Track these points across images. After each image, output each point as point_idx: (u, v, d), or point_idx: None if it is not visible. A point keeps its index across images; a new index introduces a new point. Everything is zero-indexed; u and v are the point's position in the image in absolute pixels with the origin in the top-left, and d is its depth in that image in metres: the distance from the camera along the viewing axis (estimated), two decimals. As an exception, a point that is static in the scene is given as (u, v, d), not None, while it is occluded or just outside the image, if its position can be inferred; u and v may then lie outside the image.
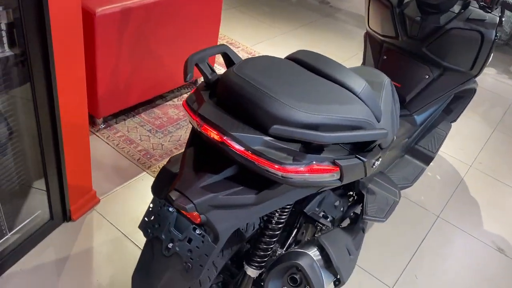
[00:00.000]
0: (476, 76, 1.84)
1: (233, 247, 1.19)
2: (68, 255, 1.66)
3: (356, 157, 1.07)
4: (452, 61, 1.77)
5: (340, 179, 1.05)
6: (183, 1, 2.23)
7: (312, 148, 0.97)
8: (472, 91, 1.96)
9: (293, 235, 1.38)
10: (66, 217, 1.76)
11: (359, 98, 1.16)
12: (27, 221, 1.62)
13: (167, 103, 2.57)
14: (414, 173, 1.94)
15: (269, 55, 1.22)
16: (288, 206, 1.18)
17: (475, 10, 1.72)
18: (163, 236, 1.03)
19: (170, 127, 2.39)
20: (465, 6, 1.72)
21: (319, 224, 1.39)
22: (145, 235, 1.06)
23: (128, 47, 2.07)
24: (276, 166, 0.93)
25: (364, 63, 2.03)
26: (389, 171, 1.92)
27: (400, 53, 1.86)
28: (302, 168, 0.95)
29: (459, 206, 2.27)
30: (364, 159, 1.08)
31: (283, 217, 1.17)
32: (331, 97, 1.06)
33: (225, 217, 0.99)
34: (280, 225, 1.18)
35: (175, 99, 2.61)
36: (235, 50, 3.26)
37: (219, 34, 3.43)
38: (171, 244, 1.02)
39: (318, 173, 0.98)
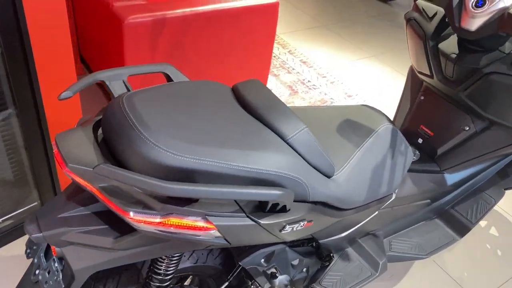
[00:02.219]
0: None
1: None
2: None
3: (249, 217, 0.88)
4: (497, 113, 1.39)
5: (227, 240, 0.88)
6: (230, 14, 2.16)
7: (175, 197, 0.82)
8: None
9: None
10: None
11: (288, 145, 0.96)
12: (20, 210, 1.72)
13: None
14: (437, 243, 1.57)
15: (210, 81, 1.09)
16: (177, 255, 1.03)
17: None
18: (35, 260, 0.98)
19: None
20: None
21: (256, 282, 1.19)
22: (26, 253, 1.02)
23: (162, 58, 2.08)
24: (121, 211, 0.80)
25: (400, 102, 1.72)
26: (406, 233, 1.59)
27: (439, 96, 1.53)
28: (154, 219, 0.81)
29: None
30: (259, 221, 0.88)
31: (171, 268, 1.02)
32: (240, 141, 0.88)
33: (83, 256, 0.89)
34: (168, 276, 1.03)
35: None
36: (306, 70, 3.10)
37: (294, 50, 3.30)
38: (37, 271, 0.96)
39: (181, 228, 0.82)
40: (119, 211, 0.80)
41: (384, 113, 1.36)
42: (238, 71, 2.41)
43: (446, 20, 1.44)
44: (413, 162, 1.54)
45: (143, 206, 0.80)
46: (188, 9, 2.04)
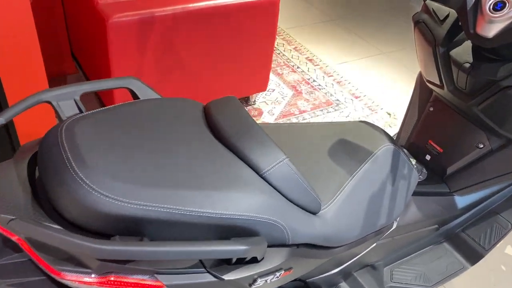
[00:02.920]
0: None
1: None
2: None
3: (209, 272, 0.73)
4: None
5: None
6: (225, 11, 2.00)
7: None
8: None
9: None
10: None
11: (265, 180, 0.81)
12: None
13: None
14: (444, 272, 1.41)
15: (181, 99, 0.94)
16: None
17: None
18: None
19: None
20: None
21: None
22: None
23: (151, 60, 1.94)
24: (50, 269, 0.66)
25: (407, 112, 1.55)
26: (410, 260, 1.43)
27: (450, 108, 1.36)
28: (91, 280, 0.67)
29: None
30: (222, 277, 0.73)
31: None
32: (203, 179, 0.74)
33: None
34: None
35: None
36: (312, 68, 2.92)
37: (300, 47, 3.12)
38: None
39: None
40: (48, 269, 0.66)
41: (385, 130, 1.19)
42: (235, 72, 2.25)
43: (460, 24, 1.26)
44: (419, 183, 1.38)
45: (77, 262, 0.67)
46: (179, 6, 1.88)
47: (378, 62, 3.12)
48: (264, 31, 2.20)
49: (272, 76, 2.79)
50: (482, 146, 1.31)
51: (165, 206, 0.68)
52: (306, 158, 1.03)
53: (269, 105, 2.53)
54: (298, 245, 0.88)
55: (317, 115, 2.50)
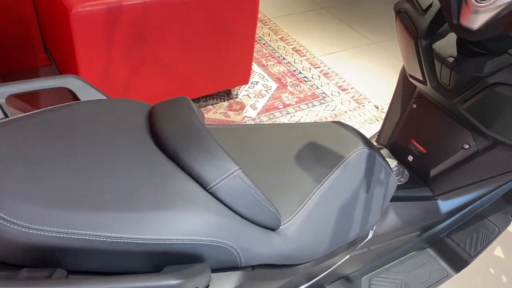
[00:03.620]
0: None
1: None
2: None
3: None
4: (503, 132, 1.12)
5: None
6: (199, 1, 1.88)
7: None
8: None
9: None
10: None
11: (212, 195, 0.71)
12: None
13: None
14: (427, 281, 1.32)
15: (125, 99, 0.83)
16: None
17: None
18: None
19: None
20: None
21: None
22: None
23: (120, 52, 1.82)
24: None
25: (389, 109, 1.45)
26: (391, 268, 1.34)
27: (434, 106, 1.26)
28: None
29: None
30: None
31: None
32: (135, 197, 0.64)
33: None
34: None
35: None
36: (298, 59, 2.81)
37: (287, 37, 3.00)
38: None
39: None
40: None
41: (360, 132, 1.09)
42: (214, 64, 2.14)
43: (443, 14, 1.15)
44: (400, 186, 1.28)
45: None
46: (150, -5, 1.76)
47: (367, 52, 3.01)
48: (244, 20, 2.08)
49: (256, 67, 2.68)
50: (467, 147, 1.21)
51: (81, 232, 0.58)
52: (269, 166, 0.93)
53: (252, 99, 2.43)
54: (253, 267, 0.78)
55: (302, 109, 2.39)
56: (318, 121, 2.32)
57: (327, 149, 1.00)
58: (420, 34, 1.16)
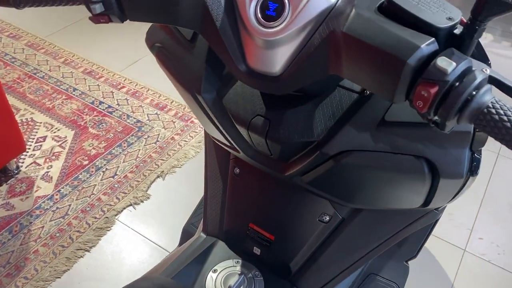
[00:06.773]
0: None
1: None
2: None
3: None
4: (367, 201, 0.71)
5: None
6: None
7: None
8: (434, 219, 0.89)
9: None
10: None
11: None
12: None
13: None
14: None
15: None
16: None
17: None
18: None
19: None
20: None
21: None
22: None
23: None
24: None
25: (206, 181, 0.95)
26: None
27: (262, 171, 0.79)
28: None
29: None
30: None
31: None
32: None
33: None
34: None
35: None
36: (94, 84, 2.15)
37: (74, 58, 2.30)
38: None
39: None
40: None
41: None
42: None
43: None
44: None
45: None
46: None
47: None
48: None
49: (38, 116, 1.97)
50: (328, 218, 0.78)
51: None
52: None
53: (43, 166, 1.75)
54: None
55: (116, 155, 1.80)
56: (142, 164, 1.75)
57: None
58: (196, 85, 0.65)
